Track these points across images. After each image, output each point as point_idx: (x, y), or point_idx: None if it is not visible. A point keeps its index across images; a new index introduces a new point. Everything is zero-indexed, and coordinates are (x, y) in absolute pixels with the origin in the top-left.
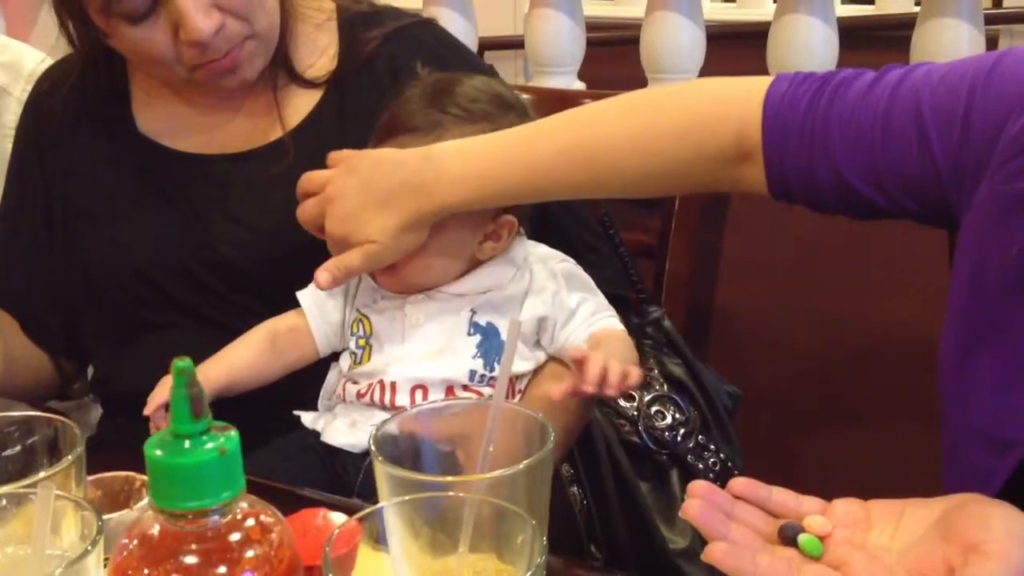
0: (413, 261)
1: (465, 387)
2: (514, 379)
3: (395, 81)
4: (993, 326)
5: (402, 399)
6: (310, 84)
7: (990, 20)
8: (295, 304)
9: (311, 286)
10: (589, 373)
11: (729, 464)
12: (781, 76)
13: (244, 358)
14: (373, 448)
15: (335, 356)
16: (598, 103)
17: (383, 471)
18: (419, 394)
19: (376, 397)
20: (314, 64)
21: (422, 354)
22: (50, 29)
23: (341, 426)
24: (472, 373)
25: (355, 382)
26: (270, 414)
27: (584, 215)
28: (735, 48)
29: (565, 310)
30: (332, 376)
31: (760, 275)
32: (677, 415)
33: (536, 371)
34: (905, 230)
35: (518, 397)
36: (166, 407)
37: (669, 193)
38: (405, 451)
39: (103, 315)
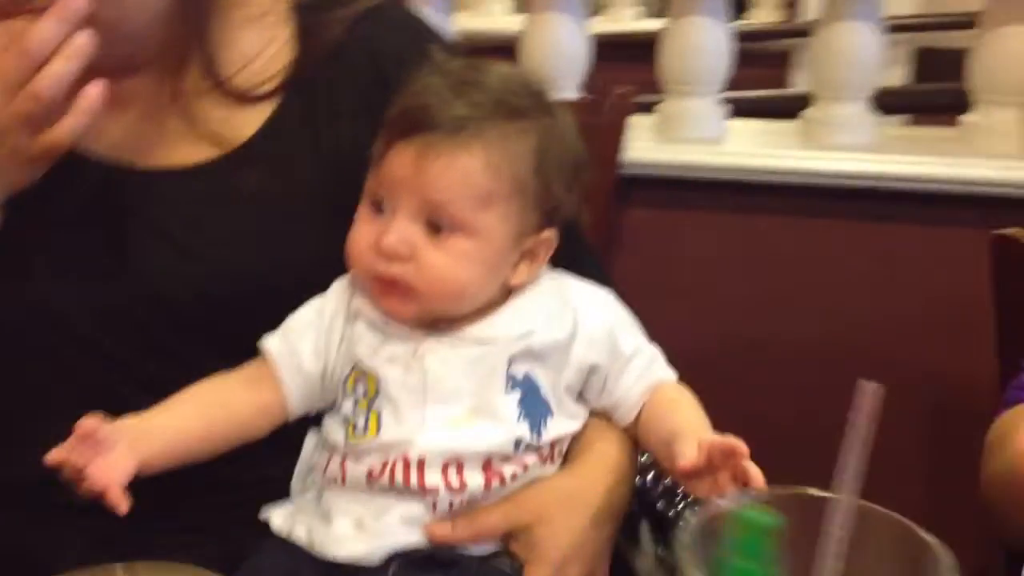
0: (445, 269)
1: (507, 458)
2: (554, 444)
3: (376, 68)
4: None
5: (433, 478)
6: (248, 97)
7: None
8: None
9: (279, 330)
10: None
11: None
12: None
13: (190, 429)
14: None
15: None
16: None
17: None
18: (452, 471)
19: (399, 478)
20: (254, 68)
21: (452, 418)
22: None
23: (344, 529)
24: (518, 442)
25: (358, 459)
26: (225, 506)
27: None
28: (621, 60)
29: (621, 358)
30: (309, 447)
31: (654, 297)
32: (641, 457)
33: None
34: (800, 243)
35: (558, 462)
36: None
37: None
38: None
39: None
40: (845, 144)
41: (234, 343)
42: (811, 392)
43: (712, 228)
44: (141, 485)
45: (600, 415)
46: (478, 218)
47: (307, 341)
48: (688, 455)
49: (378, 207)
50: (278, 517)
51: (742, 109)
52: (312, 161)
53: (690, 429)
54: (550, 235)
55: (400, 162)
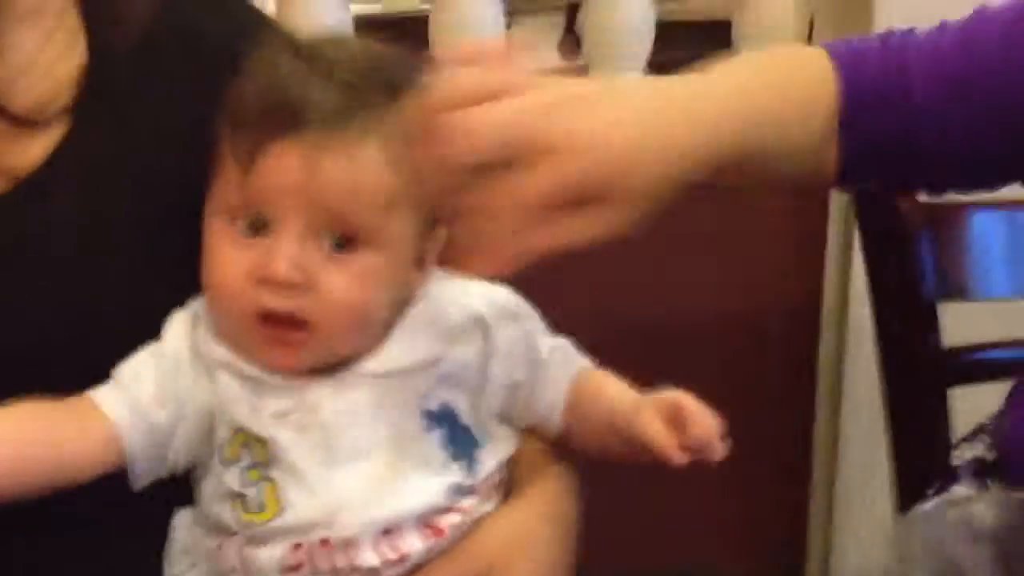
0: (350, 293)
1: (445, 510)
2: (490, 477)
3: (198, 59)
4: None
5: (367, 557)
6: (31, 118)
7: None
8: None
9: (110, 380)
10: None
11: None
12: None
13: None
14: None
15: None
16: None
17: None
18: (387, 543)
19: (324, 565)
20: (34, 80)
21: (370, 478)
22: None
23: None
24: (454, 488)
25: (260, 544)
26: None
27: None
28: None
29: (541, 365)
30: (182, 528)
31: None
32: None
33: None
34: None
35: (498, 494)
36: None
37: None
38: None
39: None
40: None
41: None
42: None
43: None
44: None
45: (529, 435)
46: (385, 225)
47: (147, 386)
48: (657, 433)
49: (249, 225)
50: None
51: None
52: (126, 184)
53: (627, 404)
54: (442, 233)
55: (282, 167)
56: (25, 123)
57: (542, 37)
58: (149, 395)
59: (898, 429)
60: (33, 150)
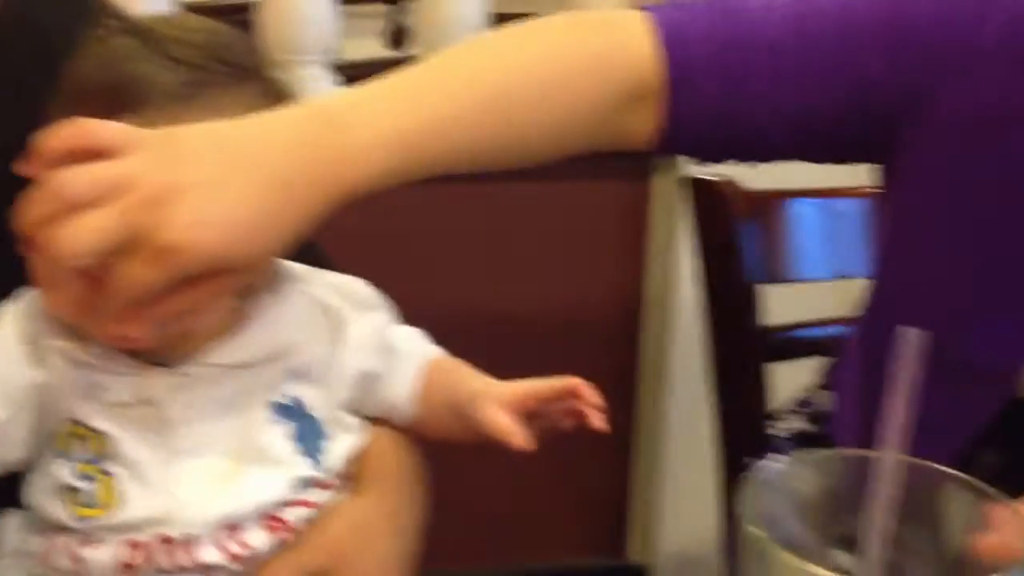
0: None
1: (291, 503)
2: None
3: (30, 42)
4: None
5: (209, 554)
6: None
7: None
8: None
9: None
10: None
11: None
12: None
13: None
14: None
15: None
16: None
17: None
18: (230, 539)
19: (164, 562)
20: None
21: (214, 473)
22: None
23: None
24: (300, 481)
25: (96, 543)
26: None
27: None
28: None
29: (392, 354)
30: (10, 531)
31: None
32: None
33: None
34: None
35: (344, 484)
36: None
37: (553, 156)
38: None
39: None
40: None
41: None
42: None
43: None
44: None
45: (381, 424)
46: None
47: None
48: (497, 421)
49: None
50: None
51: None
52: None
53: (475, 392)
54: None
55: None
56: None
57: (369, 25)
58: None
59: (720, 404)
60: None
